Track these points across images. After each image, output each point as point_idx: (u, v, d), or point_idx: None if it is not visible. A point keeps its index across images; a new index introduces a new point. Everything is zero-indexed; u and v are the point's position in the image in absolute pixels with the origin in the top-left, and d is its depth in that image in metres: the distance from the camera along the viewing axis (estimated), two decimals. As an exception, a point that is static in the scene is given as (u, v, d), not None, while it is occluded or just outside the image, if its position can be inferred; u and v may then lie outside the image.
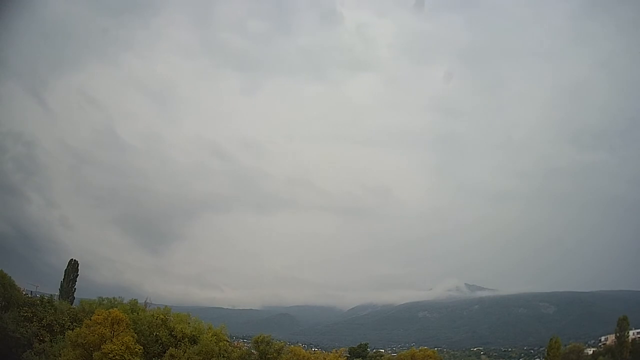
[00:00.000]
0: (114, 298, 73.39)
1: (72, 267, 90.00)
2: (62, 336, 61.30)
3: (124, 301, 72.70)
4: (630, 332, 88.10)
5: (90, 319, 58.69)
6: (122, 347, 55.94)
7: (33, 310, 66.37)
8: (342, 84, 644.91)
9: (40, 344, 61.09)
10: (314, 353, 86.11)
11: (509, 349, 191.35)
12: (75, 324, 64.17)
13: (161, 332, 64.61)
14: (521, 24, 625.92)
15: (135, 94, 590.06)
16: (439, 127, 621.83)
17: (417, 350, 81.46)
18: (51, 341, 62.11)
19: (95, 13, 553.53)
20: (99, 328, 57.02)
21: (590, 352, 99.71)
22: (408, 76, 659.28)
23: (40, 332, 63.59)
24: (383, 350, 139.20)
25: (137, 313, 67.42)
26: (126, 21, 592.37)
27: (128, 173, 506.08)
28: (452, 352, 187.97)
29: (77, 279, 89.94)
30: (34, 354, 58.84)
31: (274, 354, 68.35)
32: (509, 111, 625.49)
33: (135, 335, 59.69)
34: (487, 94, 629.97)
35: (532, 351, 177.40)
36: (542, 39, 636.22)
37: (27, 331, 61.50)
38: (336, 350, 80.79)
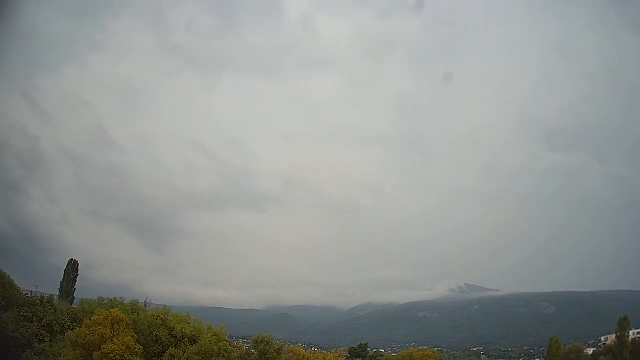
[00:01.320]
0: (114, 298, 73.51)
1: (72, 267, 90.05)
2: (62, 336, 61.28)
3: (125, 301, 72.77)
4: (631, 332, 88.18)
5: (91, 319, 58.71)
6: (123, 347, 55.96)
7: (33, 310, 66.30)
8: (302, 82, 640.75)
9: (40, 344, 61.03)
10: (314, 353, 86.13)
11: (509, 349, 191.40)
12: (75, 324, 64.11)
13: (161, 332, 64.65)
14: (486, 21, 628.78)
15: (112, 95, 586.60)
16: (407, 127, 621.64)
17: (416, 350, 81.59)
18: (51, 341, 62.09)
19: (58, 16, 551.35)
20: (99, 328, 57.04)
21: (590, 352, 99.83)
22: (370, 75, 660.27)
23: (40, 332, 63.53)
24: (383, 350, 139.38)
25: (138, 313, 67.48)
26: (87, 25, 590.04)
27: (120, 173, 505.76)
28: (452, 352, 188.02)
29: (77, 278, 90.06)
30: (34, 354, 58.80)
31: (274, 354, 68.43)
32: (479, 110, 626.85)
33: (136, 335, 59.70)
34: (452, 92, 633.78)
35: (532, 351, 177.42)
36: (505, 36, 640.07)
37: (27, 331, 61.42)
38: (336, 350, 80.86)
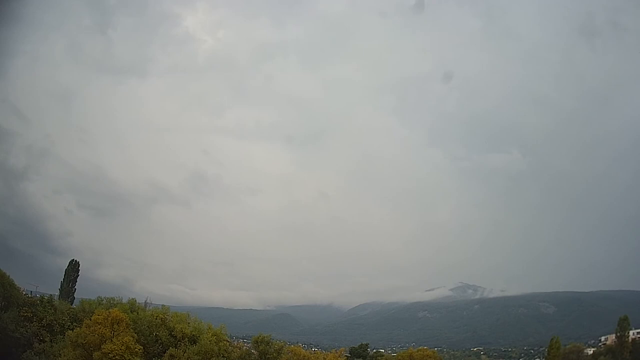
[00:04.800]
0: (113, 298, 73.37)
1: (73, 267, 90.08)
2: (62, 336, 61.29)
3: (123, 301, 72.74)
4: (631, 332, 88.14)
5: (90, 319, 58.68)
6: (122, 347, 55.96)
7: (33, 310, 66.32)
8: (203, 84, 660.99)
9: (40, 344, 61.11)
10: (314, 353, 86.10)
11: (509, 349, 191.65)
12: (75, 324, 64.11)
13: (161, 332, 64.59)
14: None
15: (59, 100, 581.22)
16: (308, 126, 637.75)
17: (416, 351, 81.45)
18: (51, 341, 62.09)
19: None
20: (99, 328, 57.02)
21: (590, 352, 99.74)
22: (264, 77, 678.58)
23: (40, 332, 63.56)
24: (383, 350, 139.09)
25: (137, 313, 67.44)
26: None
27: (96, 170, 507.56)
28: (452, 352, 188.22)
29: (78, 278, 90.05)
30: (34, 354, 58.86)
31: (274, 354, 68.40)
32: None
33: (135, 335, 59.68)
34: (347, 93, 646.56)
35: (532, 351, 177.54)
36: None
37: (27, 331, 61.48)
38: (336, 350, 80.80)
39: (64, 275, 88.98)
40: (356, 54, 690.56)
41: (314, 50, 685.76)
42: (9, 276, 68.05)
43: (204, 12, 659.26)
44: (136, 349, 57.58)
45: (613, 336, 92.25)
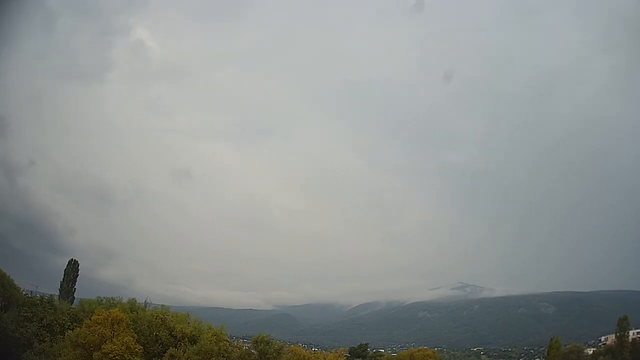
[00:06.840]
0: (113, 298, 73.38)
1: (72, 267, 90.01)
2: (62, 336, 61.25)
3: (123, 301, 72.75)
4: (631, 332, 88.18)
5: (90, 319, 58.68)
6: (122, 347, 55.97)
7: (33, 310, 66.30)
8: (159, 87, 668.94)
9: (40, 344, 61.00)
10: (314, 353, 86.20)
11: (509, 349, 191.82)
12: (75, 324, 64.05)
13: (161, 332, 64.61)
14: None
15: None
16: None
17: (416, 350, 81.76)
18: (51, 341, 62.00)
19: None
20: (99, 328, 57.03)
21: (590, 352, 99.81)
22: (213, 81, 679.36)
23: (40, 332, 63.42)
24: (383, 350, 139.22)
25: (137, 313, 67.47)
26: None
27: (98, 170, 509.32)
28: (452, 352, 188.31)
29: (77, 278, 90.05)
30: (34, 354, 58.82)
31: (274, 354, 68.46)
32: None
33: (135, 335, 59.69)
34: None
35: (532, 351, 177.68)
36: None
37: (27, 331, 61.40)
38: (336, 350, 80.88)
39: (64, 275, 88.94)
40: (301, 61, 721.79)
41: (262, 57, 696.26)
42: (9, 276, 68.10)
43: (155, 24, 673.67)
44: (136, 349, 57.59)
45: (613, 336, 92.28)
